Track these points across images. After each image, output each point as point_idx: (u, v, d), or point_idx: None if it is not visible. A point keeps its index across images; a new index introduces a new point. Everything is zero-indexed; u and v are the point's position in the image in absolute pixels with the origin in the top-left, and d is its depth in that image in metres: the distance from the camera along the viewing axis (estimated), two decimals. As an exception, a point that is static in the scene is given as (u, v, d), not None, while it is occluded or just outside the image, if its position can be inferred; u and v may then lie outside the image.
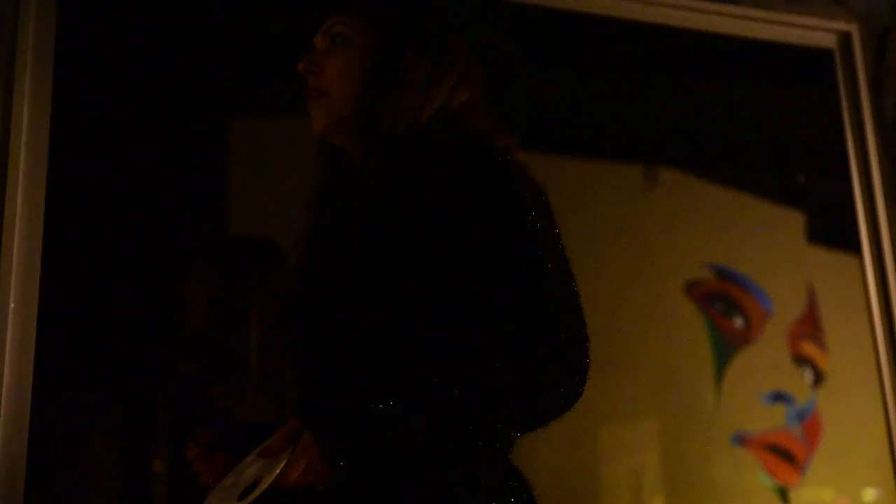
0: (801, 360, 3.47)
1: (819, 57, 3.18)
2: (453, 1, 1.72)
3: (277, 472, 1.35)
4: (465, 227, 1.43)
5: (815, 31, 3.17)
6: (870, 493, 3.38)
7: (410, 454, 1.37)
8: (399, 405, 1.36)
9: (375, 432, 1.36)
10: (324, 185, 1.70)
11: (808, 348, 3.49)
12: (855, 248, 3.18)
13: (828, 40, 3.19)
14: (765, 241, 3.55)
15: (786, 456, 3.36)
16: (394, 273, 1.45)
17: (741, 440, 3.32)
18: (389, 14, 1.63)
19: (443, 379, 1.38)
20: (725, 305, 3.47)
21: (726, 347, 3.43)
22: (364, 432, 1.37)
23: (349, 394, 1.44)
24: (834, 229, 3.60)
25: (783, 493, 3.32)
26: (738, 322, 3.47)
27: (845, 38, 3.17)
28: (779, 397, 3.40)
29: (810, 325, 3.51)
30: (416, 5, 1.66)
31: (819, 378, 3.46)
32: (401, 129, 1.55)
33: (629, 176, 3.47)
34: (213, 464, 1.61)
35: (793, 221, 3.65)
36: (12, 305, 2.30)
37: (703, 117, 3.50)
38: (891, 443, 3.04)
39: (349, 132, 1.62)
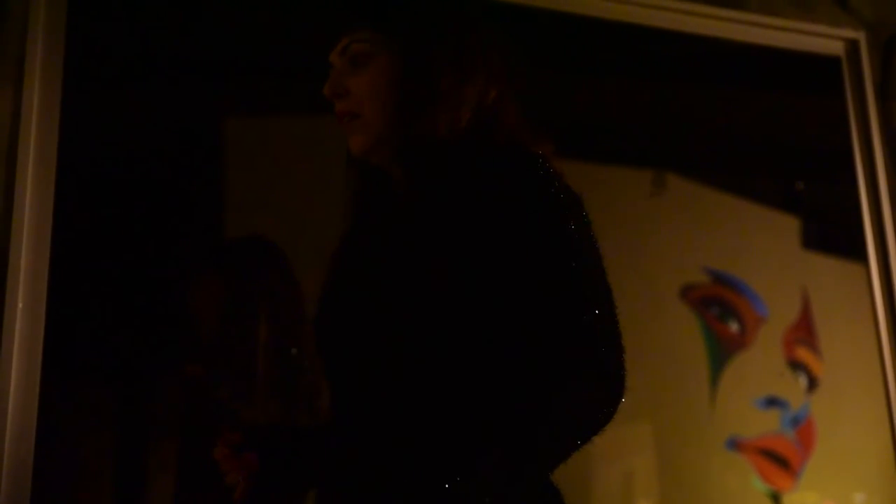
0: (795, 366, 3.49)
1: (826, 64, 3.20)
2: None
3: None
4: (504, 236, 1.43)
5: (823, 39, 3.18)
6: (864, 499, 3.40)
7: (450, 473, 1.35)
8: (436, 427, 1.37)
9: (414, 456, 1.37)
10: (358, 195, 1.69)
11: (803, 354, 3.50)
12: (851, 253, 3.20)
13: (835, 47, 3.20)
14: (760, 246, 3.56)
15: (779, 461, 3.37)
16: (431, 282, 1.45)
17: (735, 445, 3.34)
18: (405, 25, 1.62)
19: (478, 394, 1.38)
20: (721, 310, 3.48)
21: (721, 352, 3.44)
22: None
23: (383, 404, 1.45)
24: (830, 235, 3.62)
25: (776, 498, 3.34)
26: (734, 326, 3.48)
27: (852, 46, 3.19)
28: (773, 402, 3.41)
29: (805, 330, 3.52)
30: (428, 13, 1.65)
31: (813, 383, 3.48)
32: (441, 137, 1.55)
33: (630, 180, 3.48)
34: (241, 463, 1.62)
35: (788, 227, 3.66)
36: (20, 305, 2.29)
37: (707, 122, 3.51)
38: None
39: (388, 150, 1.61)
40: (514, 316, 1.40)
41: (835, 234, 3.56)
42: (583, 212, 1.54)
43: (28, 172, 2.38)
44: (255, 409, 2.42)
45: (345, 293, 1.59)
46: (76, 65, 2.46)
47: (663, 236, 3.45)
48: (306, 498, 1.51)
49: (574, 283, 1.41)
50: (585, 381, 1.37)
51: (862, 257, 3.22)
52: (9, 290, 2.30)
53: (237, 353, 2.47)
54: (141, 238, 2.72)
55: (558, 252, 1.43)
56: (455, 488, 1.34)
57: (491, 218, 1.44)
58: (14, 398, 2.26)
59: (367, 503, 1.43)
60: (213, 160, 2.94)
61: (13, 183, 2.36)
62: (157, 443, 2.62)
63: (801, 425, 3.42)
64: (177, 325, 2.65)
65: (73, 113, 2.43)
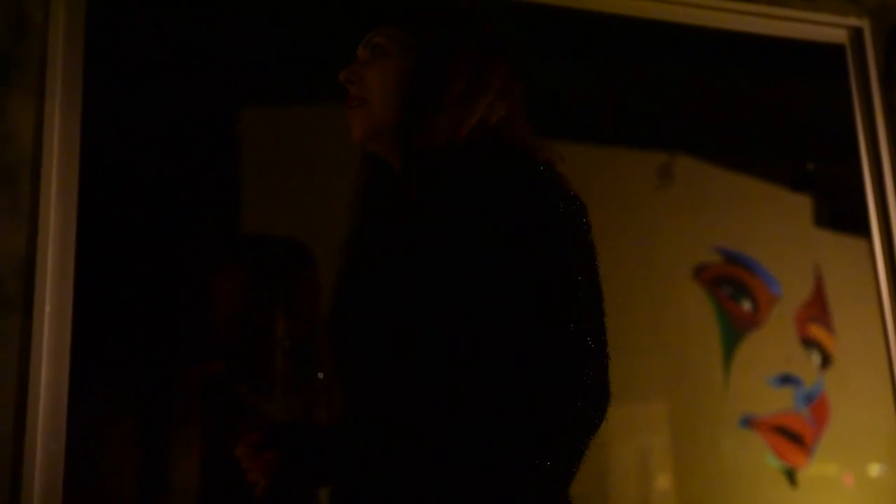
0: (808, 343, 3.49)
1: (831, 51, 3.20)
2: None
3: None
4: (497, 244, 1.44)
5: (827, 27, 3.18)
6: (878, 474, 3.42)
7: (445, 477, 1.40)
8: (429, 429, 1.42)
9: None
10: (366, 192, 1.72)
11: (816, 331, 3.50)
12: (863, 231, 3.21)
13: (839, 36, 3.20)
14: (772, 225, 3.55)
15: (793, 438, 3.38)
16: (429, 285, 1.47)
17: (749, 422, 3.34)
18: (430, 29, 1.65)
19: (471, 397, 1.41)
20: (733, 289, 3.48)
21: (734, 331, 3.44)
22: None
23: (386, 402, 1.49)
24: (841, 213, 3.62)
25: (791, 474, 3.35)
26: (747, 305, 3.48)
27: (856, 34, 3.19)
28: (786, 380, 3.41)
29: (818, 308, 3.52)
30: (457, 22, 1.68)
31: (826, 360, 3.48)
32: (440, 143, 1.57)
33: (643, 162, 3.49)
34: (262, 462, 1.68)
35: (800, 205, 3.65)
36: (48, 309, 2.35)
37: (718, 108, 3.52)
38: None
39: (387, 142, 1.64)
40: (501, 324, 1.41)
41: (847, 211, 3.56)
42: (582, 219, 1.56)
43: (52, 177, 2.42)
44: (274, 404, 2.46)
45: (351, 290, 1.61)
46: (96, 73, 2.49)
47: (675, 217, 3.45)
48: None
49: (553, 298, 1.42)
50: (566, 396, 1.37)
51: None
52: (37, 291, 2.36)
53: (257, 350, 2.50)
54: (162, 236, 2.75)
55: (542, 264, 1.43)
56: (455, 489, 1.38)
57: (484, 224, 1.45)
58: (45, 399, 2.32)
59: (372, 501, 1.48)
60: (232, 157, 2.96)
61: (38, 188, 2.41)
62: (182, 435, 2.66)
63: (815, 402, 3.43)
64: (198, 323, 2.68)
65: (94, 119, 2.47)
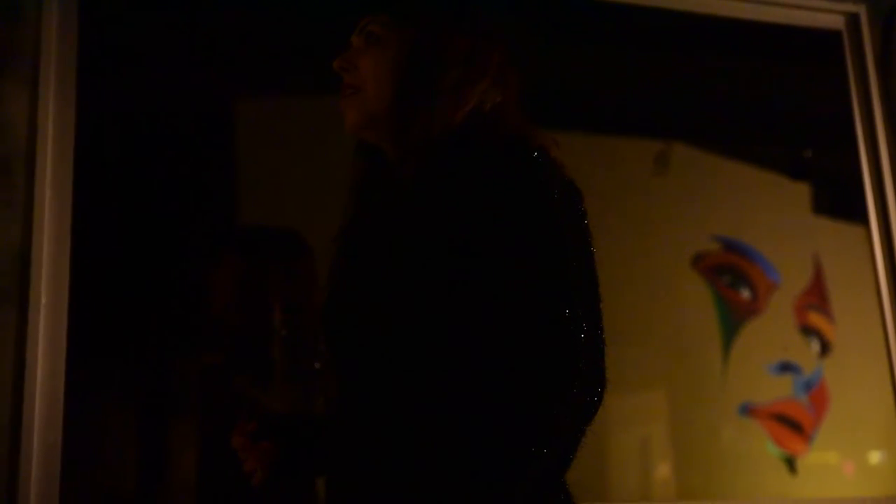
0: (807, 331, 3.49)
1: (828, 38, 3.20)
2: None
3: None
4: (491, 231, 1.44)
5: (823, 13, 3.19)
6: (877, 461, 3.43)
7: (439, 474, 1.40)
8: (425, 420, 1.42)
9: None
10: (360, 181, 1.72)
11: (815, 319, 3.50)
12: (862, 218, 3.21)
13: (836, 22, 3.20)
14: (770, 213, 3.55)
15: (793, 425, 3.38)
16: (424, 274, 1.47)
17: (748, 410, 3.34)
18: (423, 17, 1.66)
19: (467, 387, 1.41)
20: (732, 277, 3.48)
21: (733, 319, 3.44)
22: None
23: (380, 394, 1.50)
24: (840, 200, 3.62)
25: (790, 462, 3.35)
26: (745, 293, 3.48)
27: (853, 20, 3.19)
28: (786, 367, 3.42)
29: (817, 295, 3.52)
30: (451, 9, 1.69)
31: (826, 348, 3.48)
32: (435, 131, 1.57)
33: (639, 151, 3.49)
34: (258, 452, 1.69)
35: (799, 193, 3.65)
36: (43, 301, 2.35)
37: (714, 95, 3.52)
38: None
39: (381, 130, 1.65)
40: (495, 311, 1.41)
41: (845, 199, 3.55)
42: (578, 206, 1.58)
43: (47, 169, 2.43)
44: (271, 395, 2.47)
45: (346, 280, 1.62)
46: (90, 63, 2.49)
47: (673, 205, 3.45)
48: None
49: (546, 283, 1.41)
50: (561, 383, 1.36)
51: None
52: (32, 283, 2.37)
53: (254, 340, 2.51)
54: (158, 228, 2.76)
55: (537, 251, 1.43)
56: (449, 482, 1.38)
57: (479, 210, 1.45)
58: (41, 391, 2.33)
59: (368, 491, 1.48)
60: (227, 147, 2.96)
61: (33, 179, 2.42)
62: (179, 426, 2.67)
63: (814, 390, 3.43)
64: (195, 314, 2.69)
65: (89, 109, 2.47)
